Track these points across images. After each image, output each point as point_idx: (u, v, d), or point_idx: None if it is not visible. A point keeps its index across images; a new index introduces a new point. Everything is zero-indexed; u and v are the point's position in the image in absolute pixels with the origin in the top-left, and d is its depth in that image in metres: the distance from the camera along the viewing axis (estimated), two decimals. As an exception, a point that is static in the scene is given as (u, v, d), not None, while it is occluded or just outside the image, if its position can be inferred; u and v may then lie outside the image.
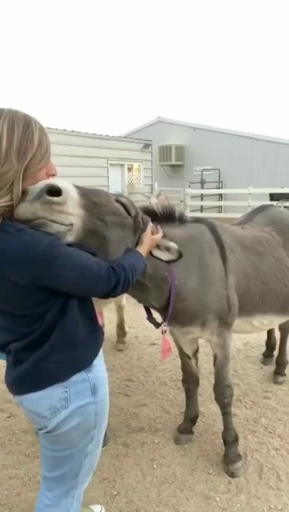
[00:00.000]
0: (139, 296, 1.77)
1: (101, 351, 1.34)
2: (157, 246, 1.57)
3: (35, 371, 1.15)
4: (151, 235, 1.50)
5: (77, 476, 1.30)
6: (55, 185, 1.09)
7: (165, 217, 1.78)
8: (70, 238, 1.13)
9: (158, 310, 1.86)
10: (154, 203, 5.76)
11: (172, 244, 1.57)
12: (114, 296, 1.21)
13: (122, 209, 1.37)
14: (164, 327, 1.89)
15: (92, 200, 1.23)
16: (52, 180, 1.11)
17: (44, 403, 1.17)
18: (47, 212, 1.08)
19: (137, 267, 1.29)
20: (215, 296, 1.89)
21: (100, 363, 1.29)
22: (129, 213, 1.40)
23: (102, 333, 1.32)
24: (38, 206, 1.07)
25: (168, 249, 1.57)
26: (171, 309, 1.77)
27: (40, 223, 1.08)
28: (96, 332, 1.27)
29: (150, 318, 1.91)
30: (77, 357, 1.19)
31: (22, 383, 1.18)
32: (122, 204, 1.38)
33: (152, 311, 1.92)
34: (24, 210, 1.07)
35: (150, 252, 1.55)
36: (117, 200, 1.37)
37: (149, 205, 1.77)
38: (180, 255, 1.57)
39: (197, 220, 2.03)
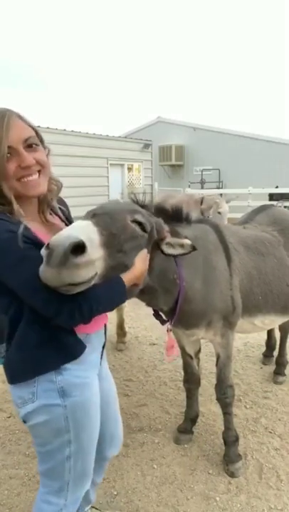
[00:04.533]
0: (149, 299, 1.75)
1: (94, 360, 1.34)
2: (169, 244, 1.54)
3: (8, 367, 1.25)
4: (144, 259, 1.34)
5: (62, 477, 1.30)
6: (80, 241, 1.03)
7: (174, 217, 1.75)
8: (94, 281, 1.10)
9: (165, 312, 1.85)
10: (226, 210, 5.14)
11: (186, 242, 1.54)
12: (61, 324, 1.13)
13: (138, 229, 1.33)
14: (169, 326, 1.89)
15: (110, 231, 1.19)
16: (72, 232, 1.05)
17: (17, 391, 1.24)
18: (74, 276, 1.03)
19: (104, 302, 1.16)
20: (221, 297, 1.90)
21: (79, 367, 1.25)
22: (144, 230, 1.37)
23: (79, 343, 1.24)
24: (65, 273, 1.01)
25: (182, 245, 1.54)
26: (178, 311, 1.77)
27: (67, 290, 1.05)
28: (57, 339, 1.19)
29: (157, 315, 1.90)
30: (32, 360, 1.19)
31: (5, 374, 1.27)
32: (138, 223, 1.35)
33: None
34: (52, 279, 1.02)
35: (162, 251, 1.53)
36: (134, 221, 1.33)
37: (161, 205, 1.72)
38: (194, 248, 1.55)
39: (201, 221, 2.03)
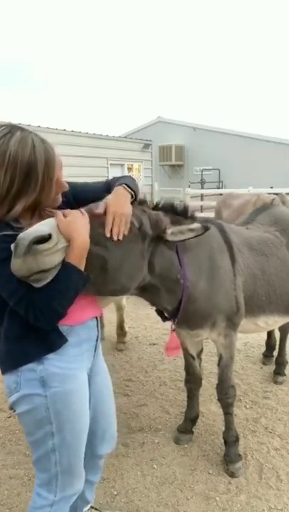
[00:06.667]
0: (152, 299, 1.76)
1: (80, 353, 1.35)
2: (174, 233, 1.53)
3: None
4: (77, 228, 1.19)
5: (49, 469, 1.32)
6: (43, 234, 1.10)
7: (179, 215, 1.71)
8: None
9: (169, 312, 1.85)
10: None
11: (195, 225, 1.55)
12: (33, 324, 1.16)
13: None
14: (173, 325, 1.89)
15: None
16: (38, 227, 1.12)
17: (5, 381, 1.30)
18: (39, 262, 1.10)
19: (59, 293, 1.15)
20: (225, 297, 1.90)
21: (61, 358, 1.27)
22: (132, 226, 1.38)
23: (59, 335, 1.27)
24: (30, 260, 1.09)
25: (191, 230, 1.55)
26: (182, 311, 1.76)
27: (36, 279, 1.11)
28: (37, 331, 1.21)
29: (159, 312, 1.91)
30: (13, 352, 1.25)
31: None
32: None
33: None
34: (19, 268, 1.10)
35: (167, 241, 1.53)
36: None
37: (168, 203, 1.71)
38: (206, 228, 1.55)
39: (206, 220, 2.02)
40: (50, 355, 1.26)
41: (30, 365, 1.24)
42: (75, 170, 9.03)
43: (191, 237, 1.57)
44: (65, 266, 1.16)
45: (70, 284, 1.17)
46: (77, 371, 1.33)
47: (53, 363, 1.26)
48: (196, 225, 1.55)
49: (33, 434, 1.31)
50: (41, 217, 1.24)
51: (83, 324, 1.37)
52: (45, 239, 1.11)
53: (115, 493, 1.99)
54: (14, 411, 1.32)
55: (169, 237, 1.53)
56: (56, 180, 1.26)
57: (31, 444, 1.34)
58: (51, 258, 1.12)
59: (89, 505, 1.71)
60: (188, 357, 2.30)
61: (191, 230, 1.55)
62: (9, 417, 2.61)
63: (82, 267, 1.20)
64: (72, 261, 1.17)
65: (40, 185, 1.20)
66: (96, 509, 1.77)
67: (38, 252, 1.09)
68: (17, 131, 1.19)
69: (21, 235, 1.09)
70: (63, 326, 1.28)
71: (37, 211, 1.27)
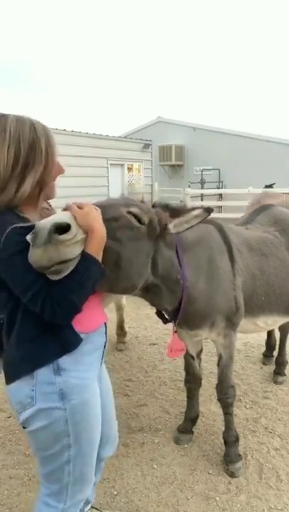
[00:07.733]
0: (153, 299, 1.76)
1: (95, 360, 1.33)
2: (177, 225, 1.53)
3: (7, 365, 1.24)
4: (98, 219, 1.18)
5: (61, 480, 1.29)
6: (63, 222, 1.08)
7: (177, 209, 1.72)
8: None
9: (169, 312, 1.86)
10: None
11: (197, 212, 1.54)
12: (49, 319, 1.11)
13: (134, 220, 1.37)
14: (175, 327, 1.89)
15: (102, 218, 1.23)
16: (56, 217, 1.10)
17: (15, 396, 1.22)
18: (61, 253, 1.07)
19: (77, 285, 1.11)
20: (224, 297, 1.90)
21: (81, 368, 1.25)
22: (141, 222, 1.39)
23: (74, 335, 1.23)
24: (51, 250, 1.05)
25: (197, 216, 1.54)
26: (182, 311, 1.77)
27: (57, 271, 1.08)
28: (52, 332, 1.18)
29: (160, 314, 1.91)
30: (29, 353, 1.19)
31: (4, 375, 1.25)
32: (134, 215, 1.38)
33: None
34: (40, 258, 1.05)
35: (169, 234, 1.53)
36: (129, 212, 1.37)
37: (164, 202, 1.71)
38: (209, 210, 1.54)
39: (205, 221, 2.03)
40: (68, 366, 1.21)
41: (48, 378, 1.18)
42: (75, 170, 9.04)
43: (196, 223, 1.56)
44: (85, 257, 1.12)
45: (90, 276, 1.12)
46: (92, 380, 1.31)
47: (71, 374, 1.22)
48: (198, 211, 1.54)
49: (49, 449, 1.24)
50: (43, 216, 1.21)
51: (95, 331, 1.34)
52: (64, 229, 1.07)
53: (115, 493, 1.99)
54: (24, 428, 1.24)
55: (173, 230, 1.53)
56: (56, 163, 1.25)
57: (44, 458, 1.28)
58: (72, 249, 1.09)
59: (89, 505, 1.71)
60: (187, 357, 2.30)
61: (196, 216, 1.54)
62: (9, 417, 2.61)
63: (99, 259, 1.17)
64: (91, 252, 1.14)
65: (45, 157, 1.17)
66: (96, 509, 1.77)
67: (60, 241, 1.06)
68: (9, 114, 1.18)
69: (39, 224, 1.06)
70: (81, 333, 1.24)
71: (40, 199, 1.23)
